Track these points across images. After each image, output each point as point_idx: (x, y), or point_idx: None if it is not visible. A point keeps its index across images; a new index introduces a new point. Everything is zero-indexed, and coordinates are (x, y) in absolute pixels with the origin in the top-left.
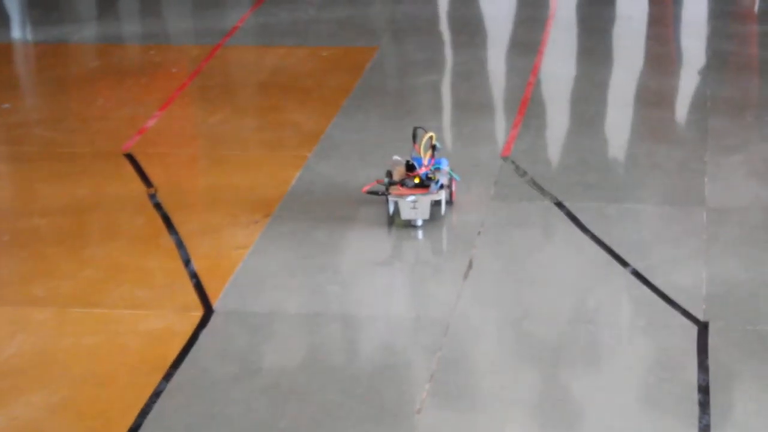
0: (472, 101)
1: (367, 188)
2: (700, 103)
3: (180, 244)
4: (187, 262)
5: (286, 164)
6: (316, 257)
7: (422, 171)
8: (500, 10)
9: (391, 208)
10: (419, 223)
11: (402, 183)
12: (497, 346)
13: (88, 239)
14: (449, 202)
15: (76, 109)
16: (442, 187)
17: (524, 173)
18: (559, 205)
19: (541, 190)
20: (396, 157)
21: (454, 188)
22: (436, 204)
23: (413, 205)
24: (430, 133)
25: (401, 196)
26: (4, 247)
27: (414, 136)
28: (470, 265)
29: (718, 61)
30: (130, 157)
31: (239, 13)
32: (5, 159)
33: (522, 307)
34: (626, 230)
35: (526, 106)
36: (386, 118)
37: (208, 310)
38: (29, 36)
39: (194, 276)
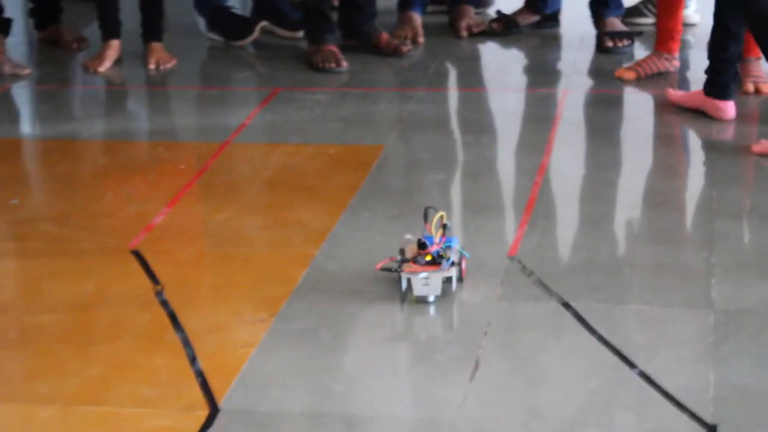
0: (478, 200)
1: (380, 265)
2: (706, 205)
3: (186, 342)
4: (193, 360)
5: (292, 262)
6: (321, 357)
7: (434, 249)
8: (507, 110)
9: (404, 285)
10: (431, 299)
11: (414, 260)
12: None
13: (93, 336)
14: (460, 279)
15: (83, 205)
16: (452, 264)
17: (531, 273)
18: (566, 305)
19: (548, 290)
20: (408, 236)
21: (464, 266)
22: (448, 281)
23: (425, 282)
24: (441, 213)
25: (414, 272)
26: (9, 344)
27: (425, 216)
28: (476, 366)
29: (722, 163)
30: (137, 254)
31: (247, 111)
32: (12, 255)
33: (528, 408)
34: (633, 332)
35: (533, 205)
36: (393, 217)
37: (213, 409)
38: (38, 132)
39: (200, 374)
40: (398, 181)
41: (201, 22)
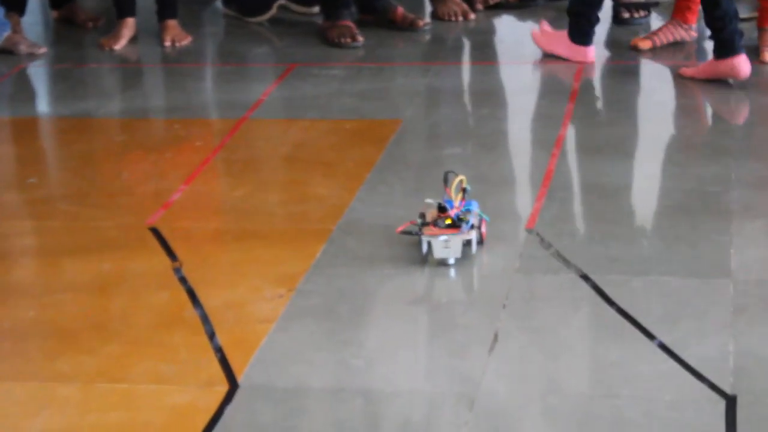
0: (496, 173)
1: (401, 228)
2: (724, 175)
3: (205, 319)
4: (211, 337)
5: (311, 238)
6: (340, 331)
7: (454, 212)
8: (523, 83)
9: (425, 248)
10: (452, 261)
11: (434, 223)
12: (523, 421)
13: (112, 314)
14: (480, 242)
15: (100, 183)
16: (472, 227)
17: (549, 246)
18: (585, 278)
19: (567, 262)
20: (428, 200)
21: (484, 229)
22: (467, 243)
23: (446, 245)
24: (461, 177)
25: (434, 235)
26: (28, 323)
27: (445, 180)
28: (495, 339)
29: (741, 133)
30: (155, 231)
31: (263, 87)
32: (30, 234)
33: (548, 381)
34: (652, 303)
35: (550, 178)
36: (410, 191)
37: (233, 385)
38: (54, 110)
39: (219, 350)
40: (415, 155)
41: None
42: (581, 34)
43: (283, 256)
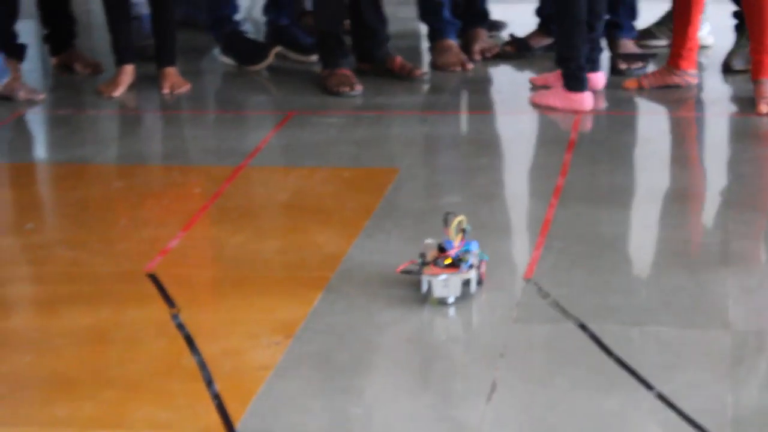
0: (493, 223)
1: (401, 267)
2: (722, 226)
3: (202, 365)
4: (209, 383)
5: (308, 285)
6: (338, 379)
7: (453, 252)
8: (521, 132)
9: (425, 287)
10: (451, 300)
11: (434, 263)
12: None
13: (110, 360)
14: (479, 282)
15: (99, 229)
16: (471, 266)
17: (547, 295)
18: (583, 327)
19: (565, 312)
20: (428, 240)
21: (483, 269)
22: (467, 283)
23: (445, 284)
24: (460, 217)
25: (434, 275)
26: (26, 368)
27: (445, 221)
28: (493, 388)
29: (738, 184)
30: (153, 278)
31: (261, 135)
32: (28, 280)
33: (545, 431)
34: (650, 353)
35: (548, 228)
36: (408, 239)
37: None
38: (52, 157)
39: (216, 397)
40: (413, 204)
41: (215, 47)
42: (574, 81)
43: (280, 304)
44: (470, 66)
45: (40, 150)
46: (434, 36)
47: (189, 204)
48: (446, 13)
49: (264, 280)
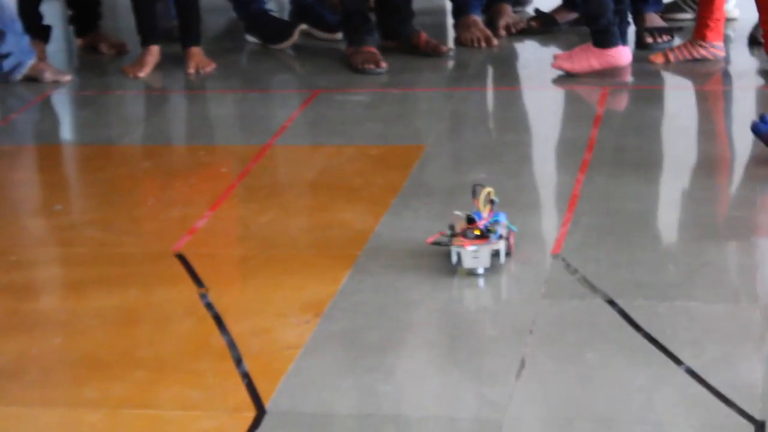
0: (521, 199)
1: (431, 239)
2: (749, 199)
3: (231, 344)
4: (238, 362)
5: (336, 264)
6: (367, 357)
7: (482, 223)
8: (548, 108)
9: (454, 258)
10: (480, 271)
11: (464, 234)
12: None
13: (139, 340)
14: (508, 253)
15: (126, 210)
16: (500, 237)
17: (575, 271)
18: (611, 303)
19: (593, 288)
20: (457, 212)
21: (512, 240)
22: (496, 254)
23: (475, 254)
24: (488, 189)
25: (463, 246)
26: (56, 349)
27: (474, 192)
28: (522, 365)
29: (765, 157)
30: (181, 258)
31: (287, 113)
32: (56, 261)
33: (575, 407)
34: (679, 328)
35: (575, 203)
36: (435, 216)
37: (260, 411)
38: (79, 138)
39: (246, 376)
40: (440, 181)
41: (240, 25)
42: (608, 36)
43: (308, 283)
44: (495, 42)
45: (67, 131)
46: (459, 12)
47: (216, 183)
48: None
49: (292, 259)
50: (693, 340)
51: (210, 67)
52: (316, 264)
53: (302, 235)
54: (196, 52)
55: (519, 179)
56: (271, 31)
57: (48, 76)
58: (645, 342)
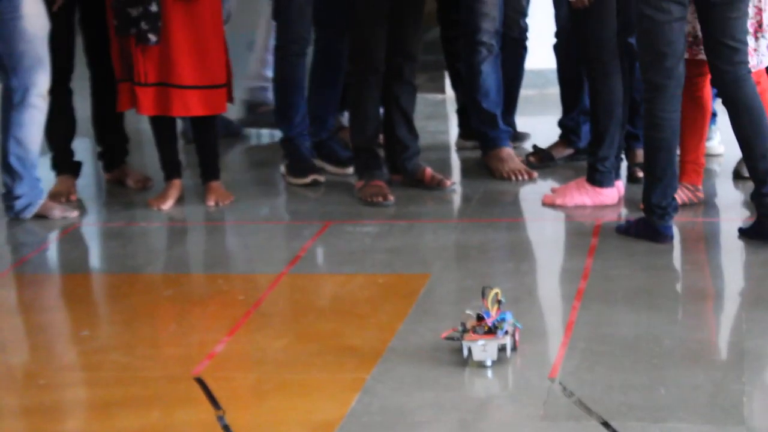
0: (520, 324)
1: (445, 334)
2: (736, 326)
3: None
4: None
5: (346, 387)
6: None
7: (490, 321)
8: (545, 238)
9: (465, 352)
10: (489, 363)
11: (473, 330)
12: None
13: None
14: (514, 348)
15: (149, 335)
16: (506, 333)
17: (571, 394)
18: (606, 425)
19: (588, 410)
20: (468, 311)
21: (517, 336)
22: (502, 348)
23: (483, 348)
24: (496, 290)
25: (473, 341)
26: None
27: (483, 293)
28: None
29: (752, 285)
30: (200, 381)
31: (300, 243)
32: (83, 384)
33: None
34: None
35: (572, 329)
36: (440, 341)
37: None
38: (106, 267)
39: None
40: (444, 308)
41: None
42: (607, 177)
43: (319, 405)
44: (535, 174)
45: (95, 261)
46: (489, 145)
47: (233, 310)
48: (501, 122)
49: (304, 382)
50: None
51: (228, 200)
52: (327, 387)
53: (314, 360)
54: (216, 186)
55: (519, 306)
56: (293, 165)
57: (56, 213)
58: None
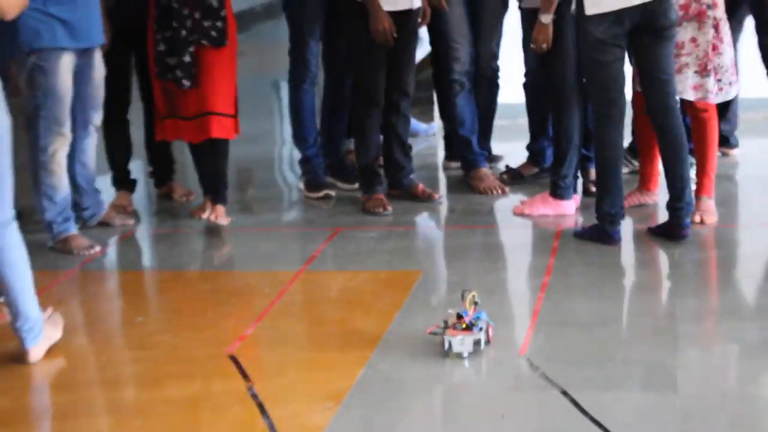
0: (495, 312)
1: (430, 330)
2: (672, 313)
3: (272, 427)
4: None
5: (353, 362)
6: None
7: (467, 319)
8: (515, 242)
9: (446, 345)
10: (465, 355)
11: (453, 327)
12: None
13: (201, 424)
14: (487, 342)
15: (191, 321)
16: (481, 330)
17: (537, 368)
18: (565, 393)
19: (551, 382)
20: (450, 311)
21: (491, 332)
22: (477, 342)
23: (461, 342)
24: (473, 293)
25: (453, 336)
26: (137, 430)
27: (462, 296)
28: None
29: (687, 278)
30: (233, 358)
31: (316, 246)
32: (139, 362)
33: None
34: (618, 414)
35: (537, 316)
36: (431, 325)
37: None
38: (156, 265)
39: None
40: (433, 299)
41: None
42: (566, 191)
43: (331, 377)
44: (507, 189)
45: (147, 260)
46: (470, 166)
47: (260, 301)
48: (476, 146)
49: (318, 359)
50: (628, 423)
51: (225, 221)
52: (337, 363)
53: (327, 341)
54: (219, 208)
55: (494, 297)
56: (309, 180)
57: (117, 221)
58: (591, 425)
